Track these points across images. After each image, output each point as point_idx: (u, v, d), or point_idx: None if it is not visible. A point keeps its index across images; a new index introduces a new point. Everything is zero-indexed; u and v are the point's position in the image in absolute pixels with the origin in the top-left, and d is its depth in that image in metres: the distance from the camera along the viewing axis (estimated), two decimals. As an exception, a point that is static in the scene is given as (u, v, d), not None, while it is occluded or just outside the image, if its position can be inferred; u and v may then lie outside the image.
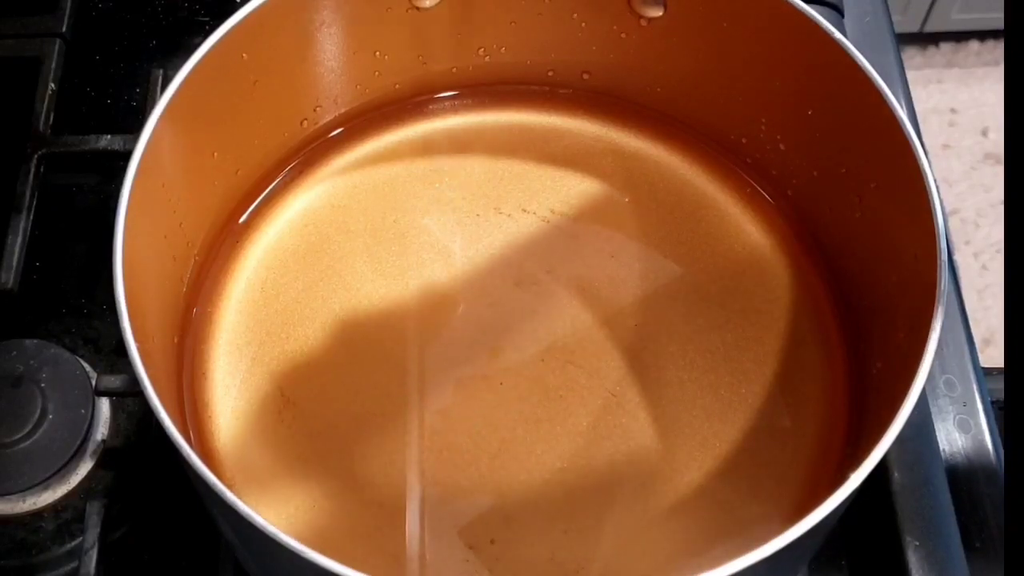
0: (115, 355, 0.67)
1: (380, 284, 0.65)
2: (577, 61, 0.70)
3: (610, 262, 0.65)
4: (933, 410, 0.65)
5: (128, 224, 0.53)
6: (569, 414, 0.60)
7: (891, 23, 0.80)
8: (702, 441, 0.60)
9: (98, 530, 0.60)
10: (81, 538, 0.61)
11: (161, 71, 0.74)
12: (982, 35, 1.87)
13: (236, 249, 0.67)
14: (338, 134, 0.71)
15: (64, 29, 0.77)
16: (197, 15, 0.81)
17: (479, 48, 0.70)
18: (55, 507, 0.62)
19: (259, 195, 0.69)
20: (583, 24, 0.67)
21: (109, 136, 0.71)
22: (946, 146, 1.78)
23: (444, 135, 0.70)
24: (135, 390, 0.50)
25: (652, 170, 0.69)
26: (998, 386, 0.67)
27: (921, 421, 0.63)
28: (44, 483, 0.62)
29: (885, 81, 0.57)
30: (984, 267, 1.66)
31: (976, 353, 0.67)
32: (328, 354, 0.63)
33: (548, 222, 0.67)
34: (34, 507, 0.62)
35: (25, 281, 0.68)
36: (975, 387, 0.66)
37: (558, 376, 0.61)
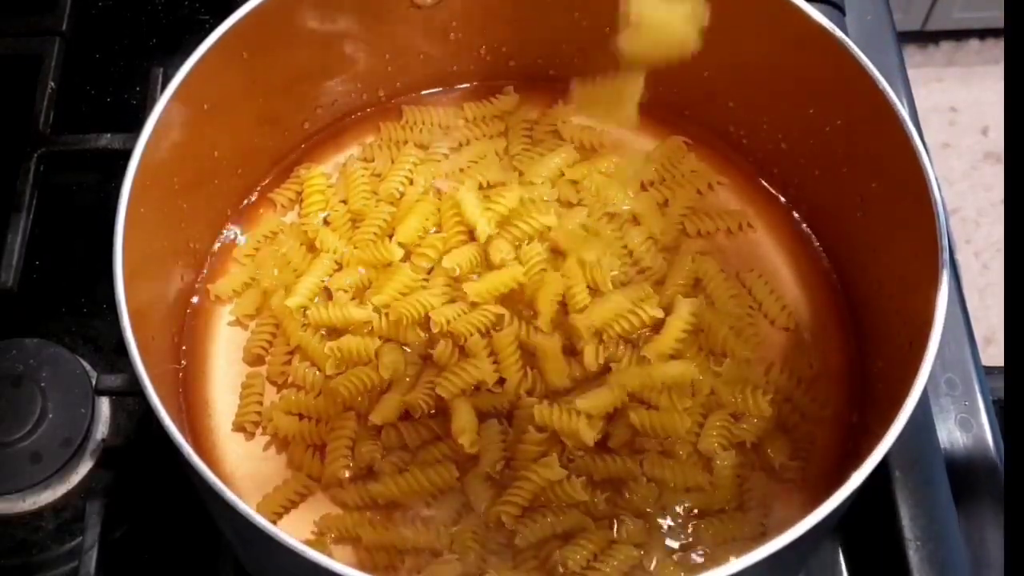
0: (115, 355, 0.67)
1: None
2: (578, 59, 0.70)
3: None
4: (934, 409, 0.65)
5: (128, 223, 0.53)
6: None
7: (892, 22, 0.80)
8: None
9: (98, 530, 0.60)
10: (81, 538, 0.61)
11: (161, 70, 0.74)
12: (982, 33, 1.86)
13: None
14: (339, 132, 0.71)
15: (64, 28, 0.77)
16: (197, 14, 0.81)
17: (480, 47, 0.70)
18: (55, 507, 0.62)
19: (259, 194, 0.69)
20: (584, 23, 0.67)
21: (109, 135, 0.71)
22: (946, 145, 1.77)
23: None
24: (135, 390, 0.50)
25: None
26: (1000, 385, 0.66)
27: (922, 420, 0.63)
28: (44, 483, 0.62)
29: (886, 80, 0.57)
30: (985, 266, 1.66)
31: (977, 352, 0.67)
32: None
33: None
34: (34, 507, 0.62)
35: (25, 280, 0.68)
36: (976, 386, 0.66)
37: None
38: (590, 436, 0.58)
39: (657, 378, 0.59)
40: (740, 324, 0.63)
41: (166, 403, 0.49)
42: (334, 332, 0.63)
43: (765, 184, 0.69)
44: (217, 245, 0.67)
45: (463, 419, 0.58)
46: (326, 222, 0.67)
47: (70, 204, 0.74)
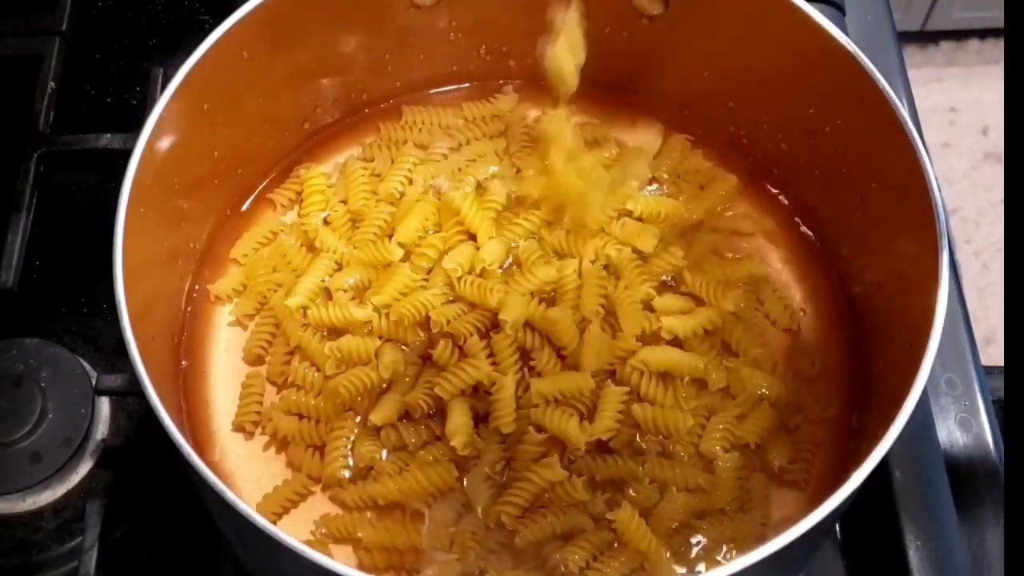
0: (115, 354, 0.67)
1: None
2: (578, 59, 0.70)
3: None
4: (934, 409, 0.65)
5: (128, 223, 0.53)
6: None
7: (892, 21, 0.80)
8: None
9: (98, 530, 0.60)
10: (81, 538, 0.61)
11: (161, 70, 0.74)
12: (982, 33, 1.86)
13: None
14: (339, 132, 0.71)
15: (64, 27, 0.77)
16: (197, 14, 0.81)
17: (480, 47, 0.70)
18: (55, 507, 0.62)
19: (259, 194, 0.69)
20: (584, 23, 0.67)
21: (109, 135, 0.71)
22: (946, 145, 1.77)
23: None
24: (135, 389, 0.50)
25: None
26: (1000, 385, 0.66)
27: (922, 420, 0.63)
28: (44, 483, 0.62)
29: (887, 80, 0.57)
30: (985, 266, 1.66)
31: (977, 352, 0.67)
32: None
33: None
34: (34, 507, 0.62)
35: (25, 280, 0.68)
36: (976, 386, 0.66)
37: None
38: (581, 439, 0.58)
39: (651, 359, 0.60)
40: (746, 323, 0.63)
41: (166, 403, 0.49)
42: (334, 332, 0.63)
43: (765, 184, 0.69)
44: (217, 245, 0.67)
45: (456, 420, 0.58)
46: (326, 222, 0.67)
47: (70, 204, 0.74)
